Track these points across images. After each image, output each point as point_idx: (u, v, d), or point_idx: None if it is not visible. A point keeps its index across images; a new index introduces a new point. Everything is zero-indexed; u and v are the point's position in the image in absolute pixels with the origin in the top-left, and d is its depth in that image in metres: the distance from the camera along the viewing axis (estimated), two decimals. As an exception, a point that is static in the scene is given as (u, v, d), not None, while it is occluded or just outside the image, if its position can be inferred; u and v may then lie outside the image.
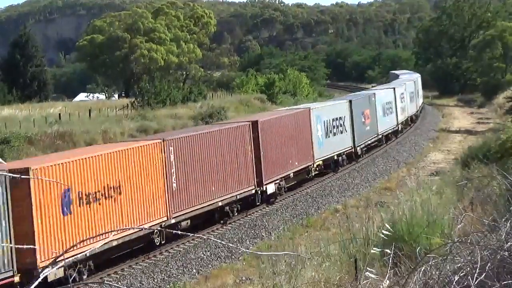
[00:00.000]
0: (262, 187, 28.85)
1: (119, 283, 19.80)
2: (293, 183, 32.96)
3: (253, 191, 28.43)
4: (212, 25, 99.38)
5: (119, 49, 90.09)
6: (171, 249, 23.65)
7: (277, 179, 30.12)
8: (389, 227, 6.93)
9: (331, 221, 27.00)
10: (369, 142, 43.41)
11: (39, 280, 4.12)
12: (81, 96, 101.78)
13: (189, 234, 4.96)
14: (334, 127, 36.80)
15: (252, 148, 28.60)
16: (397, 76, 74.98)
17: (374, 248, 7.75)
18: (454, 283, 6.68)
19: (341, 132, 37.80)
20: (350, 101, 40.75)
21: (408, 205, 14.80)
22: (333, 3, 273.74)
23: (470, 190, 16.94)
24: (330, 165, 36.83)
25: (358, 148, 40.12)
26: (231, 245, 20.66)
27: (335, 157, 36.82)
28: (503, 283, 6.58)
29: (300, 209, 30.10)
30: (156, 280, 21.11)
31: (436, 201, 16.47)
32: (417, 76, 71.50)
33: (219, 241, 6.96)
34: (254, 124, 29.13)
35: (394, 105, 50.61)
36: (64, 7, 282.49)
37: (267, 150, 29.44)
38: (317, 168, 34.55)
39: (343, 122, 38.13)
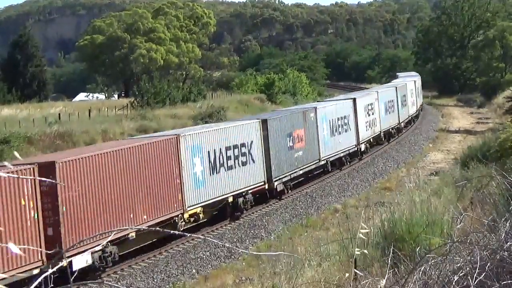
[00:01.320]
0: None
1: (119, 283, 19.81)
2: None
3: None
4: (211, 25, 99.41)
5: (119, 49, 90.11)
6: (170, 249, 23.66)
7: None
8: (364, 226, 6.88)
9: (330, 221, 27.01)
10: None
11: (39, 279, 4.13)
12: (81, 96, 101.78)
13: (187, 234, 4.95)
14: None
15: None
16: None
17: (357, 249, 7.74)
18: (453, 283, 6.68)
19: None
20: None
21: (408, 205, 14.82)
22: (332, 3, 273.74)
23: (470, 190, 16.94)
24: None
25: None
26: (228, 245, 20.67)
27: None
28: (502, 283, 6.58)
29: (300, 209, 30.11)
30: (156, 280, 21.12)
31: (436, 201, 16.48)
32: (403, 83, 59.64)
33: (215, 241, 6.94)
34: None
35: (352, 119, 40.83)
36: (64, 7, 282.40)
37: None
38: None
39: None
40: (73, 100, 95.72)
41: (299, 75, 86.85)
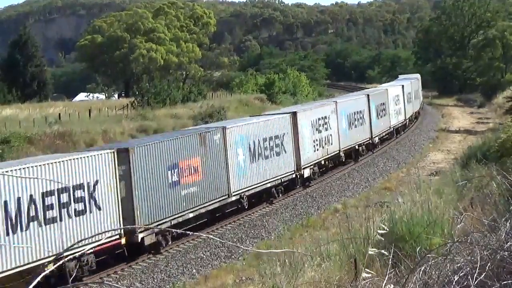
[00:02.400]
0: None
1: (119, 283, 19.81)
2: None
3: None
4: (212, 25, 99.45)
5: (119, 49, 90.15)
6: (171, 249, 23.66)
7: None
8: (384, 226, 6.91)
9: (331, 221, 27.00)
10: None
11: (39, 279, 4.13)
12: (81, 96, 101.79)
13: (189, 233, 4.95)
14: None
15: None
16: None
17: (371, 249, 7.74)
18: (454, 283, 6.68)
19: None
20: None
21: (408, 205, 14.81)
22: (333, 3, 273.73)
23: (470, 190, 16.93)
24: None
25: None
26: (230, 243, 20.68)
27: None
28: (503, 283, 6.58)
29: (300, 209, 30.10)
30: (156, 280, 21.11)
31: (436, 201, 16.47)
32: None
33: (219, 240, 6.95)
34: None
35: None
36: (64, 7, 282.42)
37: None
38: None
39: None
40: (73, 100, 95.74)
41: (299, 75, 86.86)
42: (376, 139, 44.64)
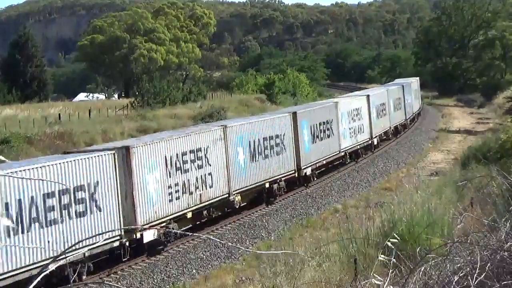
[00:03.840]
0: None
1: (119, 283, 19.81)
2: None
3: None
4: (212, 25, 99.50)
5: (119, 49, 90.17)
6: (171, 249, 23.66)
7: None
8: (396, 236, 6.99)
9: (331, 221, 26.99)
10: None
11: (39, 278, 4.13)
12: (81, 96, 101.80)
13: (189, 233, 4.95)
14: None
15: None
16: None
17: (381, 256, 7.75)
18: (454, 283, 6.68)
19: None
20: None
21: (408, 205, 14.81)
22: (333, 3, 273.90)
23: (470, 190, 16.94)
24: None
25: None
26: (230, 244, 20.68)
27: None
28: (502, 283, 6.58)
29: (300, 209, 30.10)
30: (156, 280, 21.11)
31: (436, 201, 16.47)
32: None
33: (218, 240, 6.96)
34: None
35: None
36: (64, 7, 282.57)
37: None
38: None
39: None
40: (73, 100, 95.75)
41: (299, 76, 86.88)
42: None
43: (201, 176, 24.58)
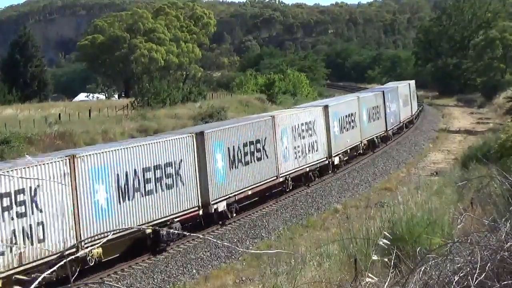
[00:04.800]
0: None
1: (119, 283, 19.81)
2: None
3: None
4: (212, 25, 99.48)
5: (119, 49, 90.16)
6: (171, 249, 23.66)
7: None
8: (387, 235, 6.97)
9: (331, 221, 27.00)
10: None
11: (39, 279, 4.13)
12: (81, 96, 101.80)
13: (189, 233, 4.95)
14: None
15: None
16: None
17: (374, 256, 7.75)
18: (454, 283, 6.68)
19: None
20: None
21: (408, 205, 14.81)
22: (333, 3, 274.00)
23: (470, 190, 16.94)
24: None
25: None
26: (228, 244, 20.67)
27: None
28: (503, 283, 6.58)
29: (300, 209, 30.10)
30: (156, 280, 21.12)
31: (436, 201, 16.48)
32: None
33: (218, 241, 6.95)
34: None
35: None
36: (64, 7, 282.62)
37: None
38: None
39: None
40: (73, 100, 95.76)
41: (299, 75, 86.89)
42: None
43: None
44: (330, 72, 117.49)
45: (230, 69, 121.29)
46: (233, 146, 27.13)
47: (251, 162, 28.32)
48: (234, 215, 27.31)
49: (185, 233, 4.90)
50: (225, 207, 26.38)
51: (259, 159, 28.83)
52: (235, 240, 25.34)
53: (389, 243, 7.34)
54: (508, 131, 27.66)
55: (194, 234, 7.71)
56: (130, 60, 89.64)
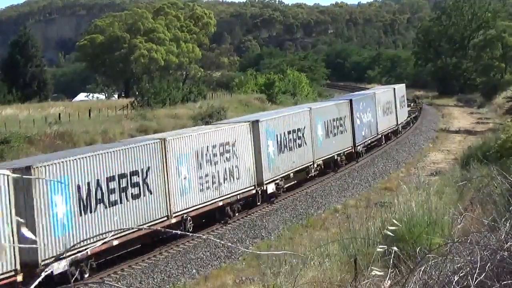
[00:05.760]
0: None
1: (119, 283, 19.81)
2: None
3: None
4: (212, 25, 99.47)
5: (119, 49, 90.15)
6: (170, 249, 23.67)
7: None
8: (395, 222, 6.96)
9: (331, 221, 27.01)
10: None
11: (41, 278, 4.13)
12: (81, 96, 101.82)
13: (189, 233, 4.96)
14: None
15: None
16: None
17: (379, 246, 7.75)
18: (454, 283, 6.68)
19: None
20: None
21: (408, 205, 14.82)
22: (332, 3, 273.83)
23: (470, 190, 16.95)
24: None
25: None
26: (230, 244, 20.68)
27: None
28: (503, 283, 6.58)
29: (300, 209, 30.10)
30: (156, 280, 21.12)
31: (436, 201, 16.48)
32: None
33: (219, 241, 6.97)
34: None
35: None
36: (64, 7, 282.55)
37: None
38: None
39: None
40: (73, 100, 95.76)
41: (299, 76, 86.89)
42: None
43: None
44: (330, 72, 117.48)
45: (230, 69, 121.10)
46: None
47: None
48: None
49: (188, 233, 4.91)
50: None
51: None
52: (235, 240, 25.35)
53: (399, 226, 7.33)
54: (508, 131, 27.68)
55: (196, 234, 7.70)
56: (130, 60, 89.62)
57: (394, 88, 51.95)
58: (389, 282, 7.13)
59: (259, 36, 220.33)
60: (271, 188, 29.64)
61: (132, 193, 21.75)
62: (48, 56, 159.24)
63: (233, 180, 27.28)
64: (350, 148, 39.68)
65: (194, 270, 22.21)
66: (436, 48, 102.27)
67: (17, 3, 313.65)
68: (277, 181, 30.24)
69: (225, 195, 26.65)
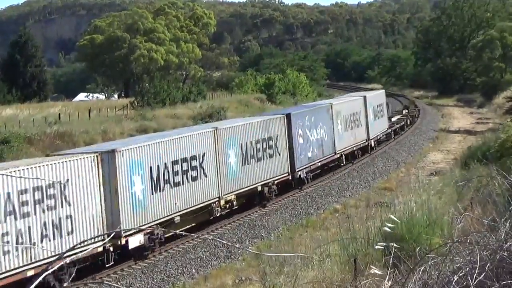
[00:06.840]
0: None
1: (119, 283, 19.82)
2: None
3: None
4: (212, 25, 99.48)
5: (119, 49, 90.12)
6: (170, 249, 23.67)
7: None
8: (394, 218, 6.96)
9: (330, 221, 27.01)
10: None
11: (36, 282, 4.13)
12: (81, 96, 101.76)
13: (189, 234, 4.96)
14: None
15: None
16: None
17: (378, 244, 7.75)
18: (453, 283, 6.68)
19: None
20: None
21: (408, 205, 14.81)
22: (332, 3, 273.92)
23: (470, 190, 16.94)
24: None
25: None
26: (229, 243, 20.68)
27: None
28: (502, 283, 6.58)
29: (300, 209, 30.10)
30: (155, 280, 21.12)
31: (436, 201, 16.48)
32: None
33: (219, 240, 6.96)
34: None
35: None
36: (63, 7, 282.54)
37: None
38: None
39: None
40: (73, 100, 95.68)
41: (299, 75, 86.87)
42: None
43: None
44: (330, 72, 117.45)
45: (230, 69, 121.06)
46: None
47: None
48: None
49: (186, 233, 4.92)
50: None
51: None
52: (235, 240, 25.36)
53: (398, 221, 7.33)
54: (508, 131, 27.68)
55: (197, 234, 7.70)
56: (130, 60, 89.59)
57: (365, 96, 43.79)
58: (389, 282, 7.13)
59: (259, 36, 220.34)
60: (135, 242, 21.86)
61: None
62: (48, 56, 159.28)
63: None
64: (286, 175, 31.67)
65: (193, 270, 22.21)
66: (436, 48, 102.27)
67: (17, 3, 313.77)
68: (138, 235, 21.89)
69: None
